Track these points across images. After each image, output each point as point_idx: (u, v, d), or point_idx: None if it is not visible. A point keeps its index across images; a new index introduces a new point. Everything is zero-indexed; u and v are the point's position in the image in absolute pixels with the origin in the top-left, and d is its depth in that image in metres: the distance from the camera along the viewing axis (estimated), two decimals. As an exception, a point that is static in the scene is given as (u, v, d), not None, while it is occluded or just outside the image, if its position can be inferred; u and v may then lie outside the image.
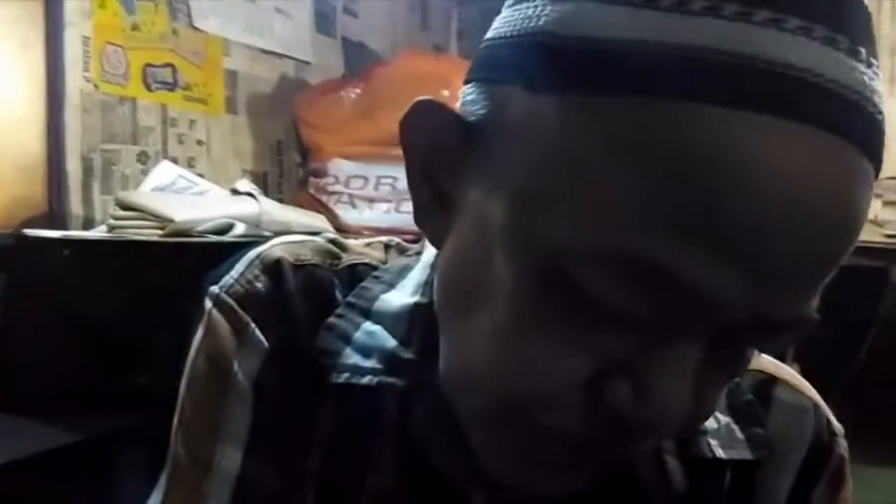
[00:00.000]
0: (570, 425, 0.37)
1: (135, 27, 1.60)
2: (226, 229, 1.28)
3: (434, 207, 0.42)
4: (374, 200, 1.89)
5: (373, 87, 1.96)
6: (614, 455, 0.39)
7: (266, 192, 1.84)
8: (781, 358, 1.83)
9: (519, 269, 0.35)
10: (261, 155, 1.99)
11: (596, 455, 0.38)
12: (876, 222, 2.35)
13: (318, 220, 1.67)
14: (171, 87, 1.71)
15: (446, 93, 1.64)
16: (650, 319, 0.34)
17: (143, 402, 1.39)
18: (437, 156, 0.40)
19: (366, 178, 1.91)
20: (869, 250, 2.09)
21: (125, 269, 1.30)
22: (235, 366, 0.48)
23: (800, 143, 0.31)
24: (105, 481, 1.34)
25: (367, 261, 0.52)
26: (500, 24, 0.38)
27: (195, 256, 1.31)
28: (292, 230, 1.44)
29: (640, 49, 0.31)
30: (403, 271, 0.52)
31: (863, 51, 0.32)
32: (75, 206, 1.48)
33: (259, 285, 0.49)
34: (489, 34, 0.40)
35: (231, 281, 0.50)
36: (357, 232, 1.83)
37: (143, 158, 1.62)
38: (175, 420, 0.50)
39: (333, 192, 1.91)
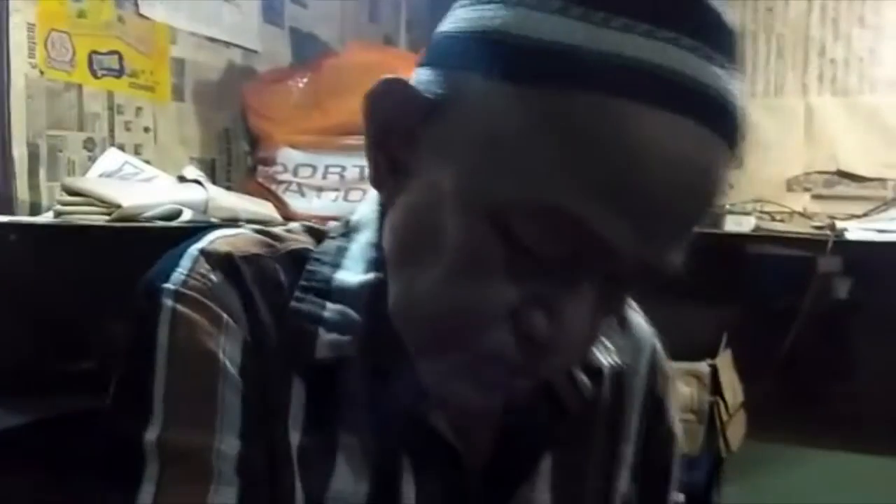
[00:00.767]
0: (499, 346, 0.46)
1: (80, 14, 1.60)
2: (174, 215, 1.30)
3: (389, 172, 0.50)
4: (322, 189, 1.92)
5: (321, 77, 1.98)
6: (536, 374, 0.49)
7: (214, 180, 1.85)
8: (715, 346, 1.92)
9: (465, 222, 0.45)
10: (208, 143, 2.00)
11: (521, 374, 0.48)
12: (805, 214, 2.46)
13: (264, 208, 1.70)
14: (118, 74, 1.71)
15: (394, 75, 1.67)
16: (564, 262, 0.44)
17: (89, 386, 1.41)
18: (397, 127, 0.49)
19: (314, 167, 1.93)
20: (797, 241, 2.19)
21: (72, 254, 1.31)
22: (222, 355, 0.51)
23: (677, 130, 0.42)
24: (50, 464, 1.35)
25: (301, 246, 0.58)
26: (458, 21, 0.48)
27: (143, 242, 1.33)
28: (239, 217, 1.47)
29: (572, 52, 0.42)
30: (340, 252, 0.58)
31: (727, 61, 0.44)
32: (22, 191, 1.48)
33: (216, 279, 0.53)
34: (447, 28, 0.49)
35: (183, 277, 0.52)
36: (306, 220, 1.86)
37: (89, 145, 1.63)
38: (156, 419, 0.51)
39: (282, 181, 1.93)
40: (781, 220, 2.46)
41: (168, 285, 0.52)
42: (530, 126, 0.43)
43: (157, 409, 0.51)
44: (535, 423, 0.59)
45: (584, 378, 0.60)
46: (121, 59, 1.71)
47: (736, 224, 2.28)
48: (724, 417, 2.08)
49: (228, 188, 1.86)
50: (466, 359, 0.48)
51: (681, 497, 2.24)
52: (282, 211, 1.80)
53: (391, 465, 0.55)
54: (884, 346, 2.29)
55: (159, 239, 1.36)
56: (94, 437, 0.55)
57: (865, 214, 2.37)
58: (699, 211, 0.45)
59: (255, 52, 2.14)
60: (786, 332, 2.25)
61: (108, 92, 1.68)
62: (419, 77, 0.49)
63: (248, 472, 0.52)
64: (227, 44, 2.05)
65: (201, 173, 1.62)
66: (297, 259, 0.57)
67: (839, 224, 2.17)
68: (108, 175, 1.50)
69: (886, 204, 2.38)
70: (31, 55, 1.49)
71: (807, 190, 2.50)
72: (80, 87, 1.61)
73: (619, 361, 0.64)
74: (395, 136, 0.49)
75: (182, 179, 1.53)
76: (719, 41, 0.44)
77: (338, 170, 1.93)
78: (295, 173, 1.94)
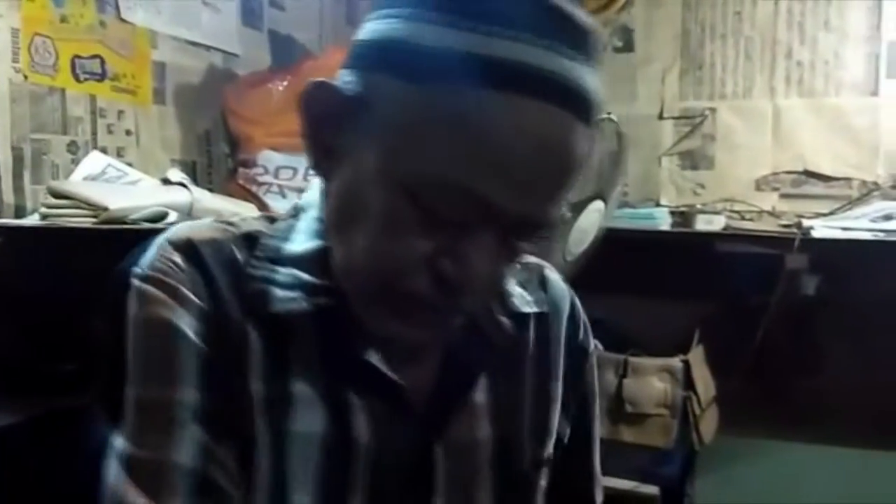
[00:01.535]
0: (420, 289, 0.58)
1: (63, 19, 1.62)
2: (159, 217, 1.32)
3: (323, 158, 0.62)
4: (303, 190, 1.93)
5: (301, 80, 2.00)
6: (455, 311, 0.61)
7: (196, 182, 1.86)
8: (688, 342, 1.97)
9: (384, 194, 0.57)
10: (189, 145, 2.02)
11: (443, 311, 0.60)
12: (773, 213, 2.51)
13: (248, 210, 1.72)
14: (100, 77, 1.73)
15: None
16: (464, 220, 0.56)
17: (77, 385, 1.42)
18: (327, 120, 0.60)
19: (295, 169, 1.96)
20: (766, 239, 2.24)
21: (60, 256, 1.33)
22: (176, 320, 0.61)
23: (540, 113, 0.54)
24: (39, 461, 1.36)
25: (254, 228, 0.69)
26: (370, 32, 0.60)
27: (129, 244, 1.34)
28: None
29: (458, 56, 0.53)
30: (289, 228, 0.69)
31: (590, 61, 0.57)
32: (7, 194, 1.49)
33: (178, 260, 0.63)
34: (361, 37, 0.61)
35: (150, 261, 0.63)
36: (286, 221, 1.88)
37: (72, 148, 1.64)
38: (128, 382, 0.61)
39: (263, 183, 1.95)
40: (751, 219, 2.51)
41: (136, 269, 0.63)
42: (427, 116, 0.55)
43: (129, 370, 0.61)
44: (468, 358, 0.70)
45: (506, 321, 0.72)
46: (103, 63, 1.73)
47: (707, 223, 2.34)
48: (697, 412, 2.13)
49: (210, 190, 1.88)
50: (397, 302, 0.59)
51: (655, 489, 2.29)
52: (263, 212, 1.83)
53: (342, 403, 0.65)
54: (850, 341, 2.35)
55: (145, 241, 1.38)
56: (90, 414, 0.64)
57: (831, 213, 2.42)
58: (566, 174, 0.58)
59: (235, 55, 2.16)
60: (756, 327, 2.29)
61: (90, 96, 1.70)
62: (342, 78, 0.61)
63: (208, 419, 0.61)
64: (208, 47, 2.07)
65: (185, 176, 1.64)
66: (251, 239, 0.67)
67: (806, 222, 2.22)
68: (92, 178, 1.52)
69: (851, 203, 2.44)
70: (15, 59, 1.51)
71: (775, 189, 2.55)
72: (63, 91, 1.63)
73: (539, 310, 0.77)
74: (326, 127, 0.61)
75: (166, 182, 1.56)
76: (578, 43, 0.56)
77: (318, 172, 1.96)
78: (276, 175, 1.97)
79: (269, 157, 1.97)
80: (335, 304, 0.63)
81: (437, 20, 0.55)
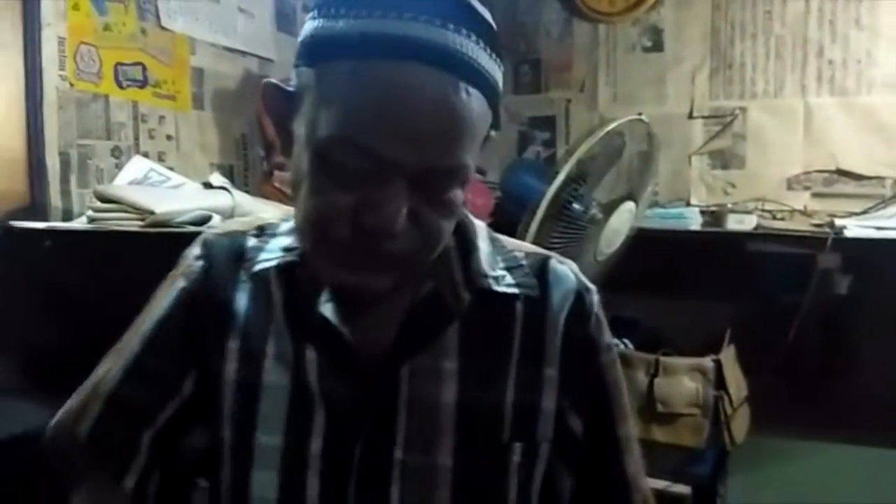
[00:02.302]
0: (345, 235, 0.67)
1: (106, 27, 1.67)
2: (203, 221, 1.36)
3: (287, 144, 0.72)
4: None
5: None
6: (385, 255, 0.68)
7: (232, 184, 1.91)
8: (719, 341, 1.97)
9: (310, 159, 0.67)
10: (226, 149, 2.07)
11: (372, 255, 0.68)
12: (805, 212, 2.51)
13: (286, 211, 1.76)
14: (142, 84, 1.77)
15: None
16: (370, 174, 0.65)
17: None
18: (280, 113, 0.72)
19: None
20: (798, 239, 2.24)
21: (108, 258, 1.37)
22: (162, 293, 0.83)
23: (408, 71, 0.63)
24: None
25: (271, 219, 0.85)
26: (301, 33, 0.70)
27: (174, 247, 1.38)
28: (264, 221, 1.53)
29: (347, 37, 0.64)
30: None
31: (463, 29, 0.65)
32: (54, 198, 1.54)
33: (192, 251, 0.84)
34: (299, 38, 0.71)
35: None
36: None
37: (116, 153, 1.69)
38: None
39: (298, 185, 1.98)
40: (782, 219, 2.50)
41: None
42: (327, 90, 0.65)
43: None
44: (425, 323, 0.78)
45: (466, 295, 0.79)
46: (144, 69, 1.77)
47: (738, 223, 2.34)
48: (729, 411, 2.12)
49: (246, 192, 1.92)
50: (333, 251, 0.69)
51: (687, 489, 2.27)
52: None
53: (300, 356, 0.77)
54: (883, 341, 2.34)
55: (189, 243, 1.42)
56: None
57: (864, 212, 2.41)
58: (441, 123, 0.64)
59: (270, 60, 2.21)
60: (788, 327, 2.29)
61: (132, 102, 1.75)
62: (294, 75, 0.71)
63: (153, 346, 0.81)
64: (244, 53, 2.12)
65: (226, 180, 1.68)
66: (262, 227, 0.84)
67: (838, 222, 2.22)
68: (136, 182, 1.56)
69: (884, 201, 2.42)
70: (62, 68, 1.56)
71: (806, 188, 2.54)
72: (106, 97, 1.67)
73: (519, 292, 0.81)
74: (281, 119, 0.72)
75: (208, 186, 1.59)
76: (453, 14, 0.65)
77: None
78: (310, 177, 2.00)
79: (304, 160, 2.00)
80: (298, 261, 0.77)
81: (339, 14, 0.65)
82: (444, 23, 0.64)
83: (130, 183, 1.56)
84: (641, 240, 1.85)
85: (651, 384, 2.13)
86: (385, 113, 0.63)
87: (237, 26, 2.09)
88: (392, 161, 0.64)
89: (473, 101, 0.65)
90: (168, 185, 1.57)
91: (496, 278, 0.80)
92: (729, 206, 2.54)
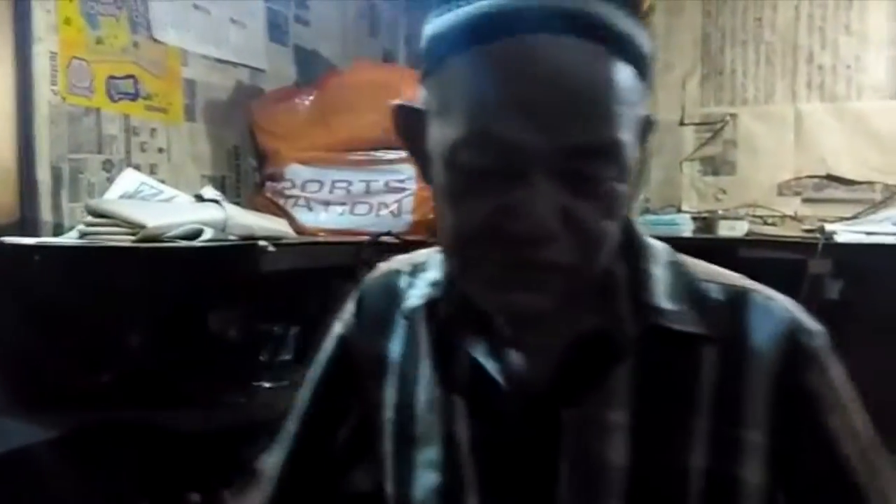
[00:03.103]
0: (494, 248, 0.57)
1: (98, 41, 1.67)
2: (195, 235, 1.36)
3: (426, 165, 0.64)
4: (329, 203, 1.98)
5: (326, 94, 2.05)
6: (542, 264, 0.57)
7: (224, 196, 1.91)
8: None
9: (443, 173, 0.59)
10: (218, 160, 2.07)
11: (524, 270, 0.57)
12: (795, 218, 2.52)
13: (280, 224, 1.76)
14: (133, 97, 1.78)
15: (397, 100, 1.73)
16: (504, 169, 0.55)
17: (110, 402, 1.47)
18: (415, 133, 0.64)
19: (321, 182, 2.00)
20: (789, 244, 2.25)
21: (100, 273, 1.37)
22: (325, 347, 0.85)
23: (548, 43, 0.54)
24: (76, 475, 1.41)
25: (424, 254, 0.80)
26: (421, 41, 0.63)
27: (166, 261, 1.39)
28: (255, 234, 1.53)
29: (450, 29, 0.58)
30: None
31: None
32: (45, 213, 1.54)
33: (349, 304, 0.84)
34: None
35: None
36: (313, 234, 1.93)
37: (107, 166, 1.69)
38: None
39: (290, 196, 1.99)
40: (773, 224, 2.52)
41: None
42: (447, 91, 0.58)
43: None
44: (588, 363, 0.65)
45: (632, 331, 0.65)
46: (136, 82, 1.78)
47: (729, 229, 2.35)
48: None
49: (238, 204, 1.93)
50: (481, 271, 0.59)
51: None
52: (291, 225, 1.87)
53: (449, 405, 0.71)
54: (874, 346, 2.35)
55: (182, 257, 1.43)
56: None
57: (854, 217, 2.43)
58: (582, 95, 0.54)
59: (262, 70, 2.21)
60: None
61: (124, 115, 1.75)
62: (420, 91, 0.65)
63: (321, 412, 0.84)
64: (235, 64, 2.12)
65: (219, 193, 1.68)
66: (417, 262, 0.80)
67: (829, 227, 2.23)
68: (128, 196, 1.57)
69: (874, 206, 2.44)
70: (54, 82, 1.56)
71: (797, 194, 2.56)
72: (98, 111, 1.68)
73: (710, 333, 0.65)
74: (416, 140, 0.65)
75: (200, 199, 1.60)
76: None
77: (344, 184, 2.00)
78: (303, 188, 2.01)
79: (296, 171, 2.01)
80: (443, 296, 0.71)
81: (447, 9, 0.59)
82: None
83: (122, 196, 1.56)
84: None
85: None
86: (510, 91, 0.54)
87: (229, 37, 2.10)
88: (531, 148, 0.54)
89: (612, 65, 0.55)
90: (160, 198, 1.58)
91: (676, 313, 0.65)
92: (720, 212, 2.55)
